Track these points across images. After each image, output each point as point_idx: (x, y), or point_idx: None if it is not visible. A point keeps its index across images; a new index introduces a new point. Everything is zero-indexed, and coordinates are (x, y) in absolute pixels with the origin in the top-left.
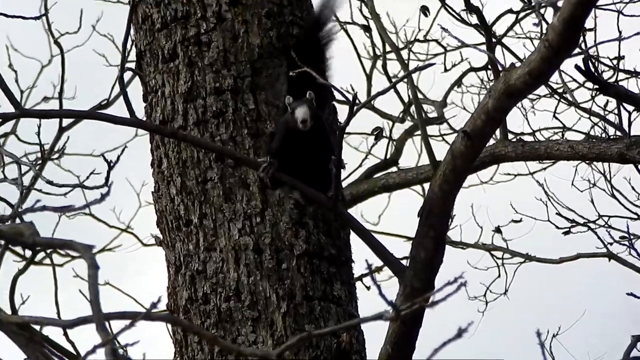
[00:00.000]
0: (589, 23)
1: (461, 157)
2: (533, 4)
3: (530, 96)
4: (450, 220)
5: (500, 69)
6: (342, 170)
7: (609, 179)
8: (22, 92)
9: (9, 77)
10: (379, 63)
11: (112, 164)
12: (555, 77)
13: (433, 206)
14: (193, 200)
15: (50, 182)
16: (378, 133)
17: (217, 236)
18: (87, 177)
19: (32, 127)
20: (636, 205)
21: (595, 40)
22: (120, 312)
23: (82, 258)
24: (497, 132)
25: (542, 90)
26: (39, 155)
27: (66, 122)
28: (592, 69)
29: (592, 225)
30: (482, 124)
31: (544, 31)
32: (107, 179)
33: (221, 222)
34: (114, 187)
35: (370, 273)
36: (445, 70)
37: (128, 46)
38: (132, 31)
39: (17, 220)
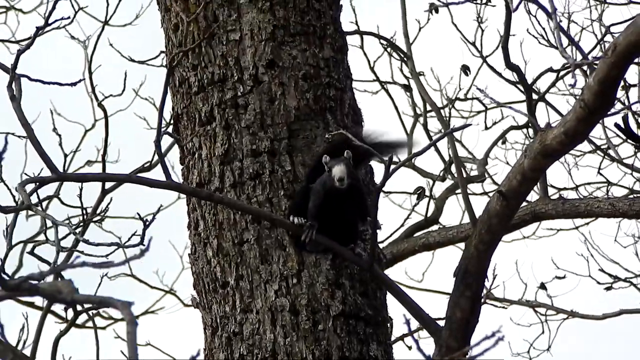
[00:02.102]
0: (632, 79)
1: (497, 217)
2: (568, 64)
3: (574, 152)
4: (486, 279)
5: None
6: (378, 231)
7: None
8: (65, 156)
9: (53, 141)
10: (421, 120)
11: (147, 223)
12: (599, 133)
13: (469, 266)
14: (229, 262)
15: (86, 241)
16: (420, 193)
17: (254, 298)
18: (129, 239)
19: (75, 190)
20: None
21: (638, 96)
22: None
23: (121, 314)
24: (538, 188)
25: (586, 146)
26: (82, 217)
27: (109, 184)
28: (636, 126)
29: (635, 280)
30: (517, 183)
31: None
32: (142, 237)
33: (257, 283)
34: (157, 250)
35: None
36: (486, 128)
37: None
38: (169, 94)
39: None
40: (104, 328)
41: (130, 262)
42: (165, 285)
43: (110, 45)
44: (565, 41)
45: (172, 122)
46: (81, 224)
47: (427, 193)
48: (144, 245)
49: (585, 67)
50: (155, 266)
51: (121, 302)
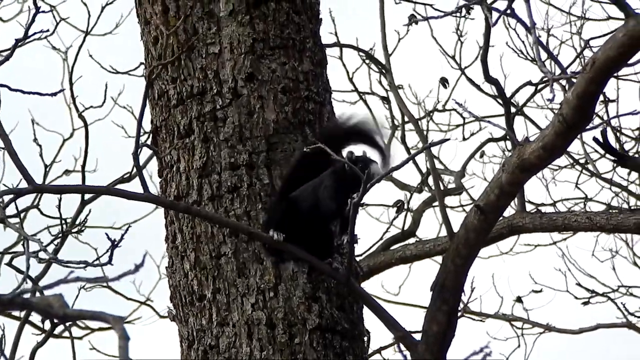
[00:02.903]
0: (611, 94)
1: (474, 231)
2: (547, 78)
3: (552, 166)
4: (463, 293)
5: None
6: (355, 245)
7: (631, 246)
8: (46, 166)
9: (33, 151)
10: (398, 133)
11: (116, 243)
12: (577, 148)
13: (446, 280)
14: (207, 275)
15: (55, 259)
16: (400, 206)
17: (230, 311)
18: (105, 253)
19: (56, 199)
20: None
21: (617, 111)
22: None
23: (113, 329)
24: (515, 202)
25: (564, 160)
26: (60, 228)
27: (88, 195)
28: (614, 140)
29: (612, 295)
30: (495, 198)
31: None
32: (110, 257)
33: (234, 296)
34: (133, 259)
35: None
36: (464, 139)
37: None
38: (148, 107)
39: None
40: (80, 338)
41: (123, 277)
42: (142, 295)
43: (90, 56)
44: (544, 55)
45: (150, 134)
46: (59, 235)
47: (405, 206)
48: (112, 264)
49: (563, 82)
50: (131, 276)
51: (113, 317)
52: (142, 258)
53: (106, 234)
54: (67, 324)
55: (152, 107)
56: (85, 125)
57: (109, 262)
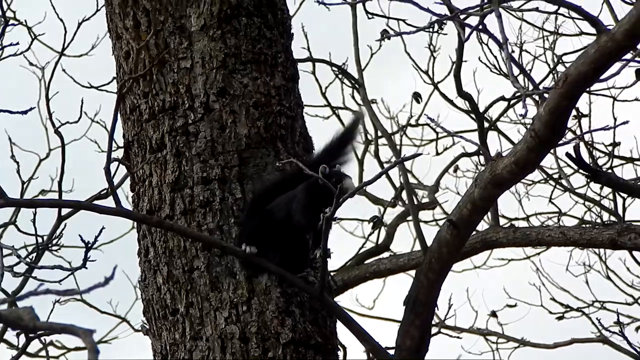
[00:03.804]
0: (584, 108)
1: (447, 246)
2: (519, 93)
3: (525, 181)
4: (437, 308)
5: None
6: (328, 259)
7: (604, 260)
8: (23, 183)
9: (10, 168)
10: (372, 147)
11: (90, 245)
12: (551, 163)
13: (419, 294)
14: (179, 289)
15: (28, 264)
16: (376, 222)
17: (204, 325)
18: (80, 267)
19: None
20: (632, 287)
21: (590, 126)
22: None
23: (83, 342)
24: (489, 217)
25: (537, 175)
26: (36, 244)
27: (65, 210)
28: (588, 156)
29: (587, 310)
30: (468, 213)
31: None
32: (85, 260)
33: (207, 310)
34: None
35: None
36: (437, 153)
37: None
38: (120, 122)
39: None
40: (56, 358)
41: (93, 290)
42: (118, 317)
43: (63, 70)
44: (516, 70)
45: (123, 149)
46: (34, 250)
47: (381, 222)
48: (86, 268)
49: (536, 97)
50: (108, 295)
51: (83, 330)
52: (112, 271)
53: (79, 235)
54: (45, 342)
55: (124, 121)
56: (62, 140)
57: (84, 265)
